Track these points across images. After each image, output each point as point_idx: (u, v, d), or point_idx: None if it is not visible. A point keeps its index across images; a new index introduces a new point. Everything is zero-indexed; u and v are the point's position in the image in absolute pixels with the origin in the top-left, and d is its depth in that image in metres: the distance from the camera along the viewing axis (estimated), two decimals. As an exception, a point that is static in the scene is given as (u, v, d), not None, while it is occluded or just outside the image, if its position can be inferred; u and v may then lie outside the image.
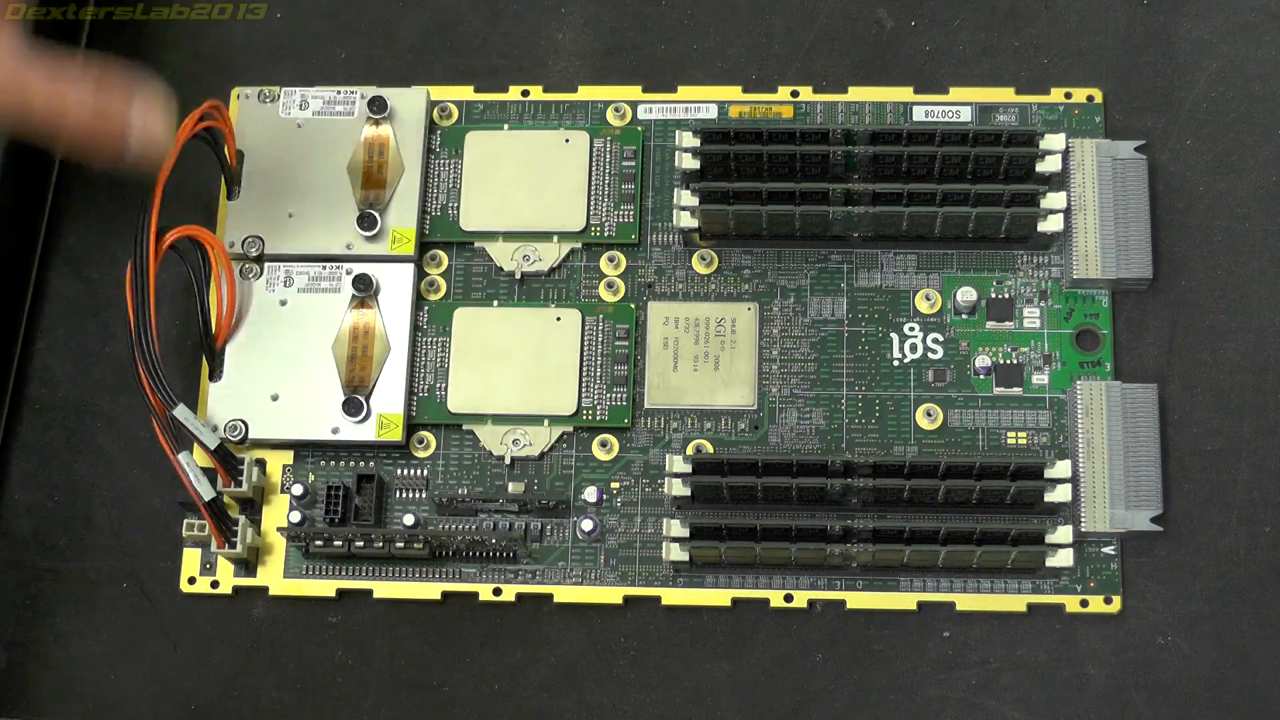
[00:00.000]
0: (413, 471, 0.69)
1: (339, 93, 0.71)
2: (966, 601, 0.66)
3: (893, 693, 0.66)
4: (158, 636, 0.68)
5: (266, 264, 0.70)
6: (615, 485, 0.68)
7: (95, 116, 0.58)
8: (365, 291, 0.69)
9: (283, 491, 0.69)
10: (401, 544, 0.66)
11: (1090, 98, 0.71)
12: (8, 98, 0.57)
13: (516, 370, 0.69)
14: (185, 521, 0.67)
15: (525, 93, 0.73)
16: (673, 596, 0.67)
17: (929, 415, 0.68)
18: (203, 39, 0.75)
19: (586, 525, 0.67)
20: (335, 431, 0.68)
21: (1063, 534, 0.65)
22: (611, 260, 0.71)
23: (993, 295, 0.69)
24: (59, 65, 0.58)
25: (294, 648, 0.68)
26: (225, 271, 0.68)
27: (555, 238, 0.71)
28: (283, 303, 0.69)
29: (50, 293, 0.72)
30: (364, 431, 0.68)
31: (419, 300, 0.70)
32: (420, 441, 0.69)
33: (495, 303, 0.70)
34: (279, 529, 0.68)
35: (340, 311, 0.69)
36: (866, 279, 0.70)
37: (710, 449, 0.68)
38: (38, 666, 0.68)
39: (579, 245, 0.71)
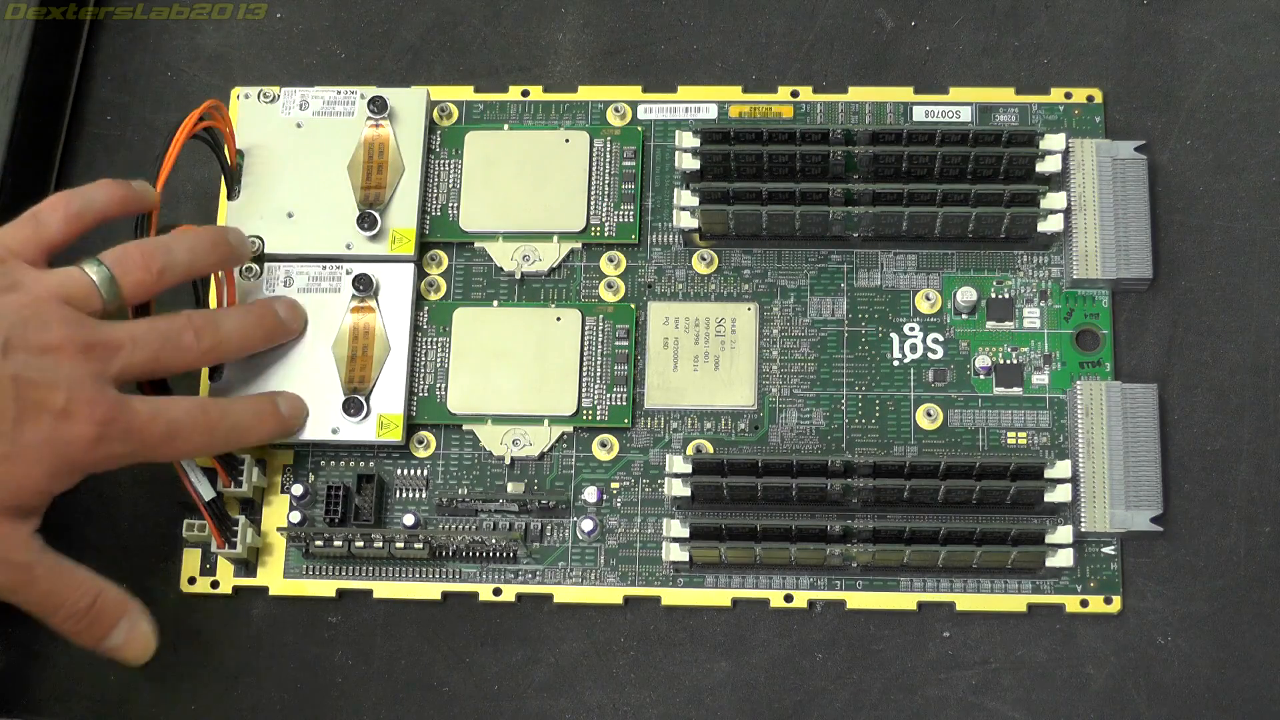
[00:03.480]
0: (413, 471, 0.69)
1: (339, 93, 0.71)
2: (966, 601, 0.66)
3: (893, 693, 0.66)
4: (158, 636, 0.68)
5: (266, 264, 0.70)
6: (615, 485, 0.68)
7: (85, 619, 0.62)
8: (365, 291, 0.69)
9: (283, 491, 0.69)
10: (401, 544, 0.66)
11: (1090, 98, 0.71)
12: (9, 583, 0.60)
13: (516, 370, 0.69)
14: (185, 521, 0.67)
15: (525, 93, 0.73)
16: (673, 596, 0.67)
17: (929, 415, 0.68)
18: (203, 39, 0.75)
19: (586, 525, 0.67)
20: (335, 431, 0.68)
21: (1063, 534, 0.65)
22: (611, 260, 0.71)
23: (993, 295, 0.69)
24: (65, 565, 0.61)
25: (294, 648, 0.68)
26: (226, 273, 0.68)
27: (555, 238, 0.71)
28: (283, 303, 0.69)
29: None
30: (364, 431, 0.68)
31: (419, 300, 0.70)
32: (420, 441, 0.69)
33: (495, 303, 0.70)
34: (279, 529, 0.68)
35: (340, 311, 0.69)
36: (866, 279, 0.70)
37: (710, 449, 0.68)
38: (38, 666, 0.68)
39: (579, 245, 0.71)
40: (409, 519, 0.67)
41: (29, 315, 0.59)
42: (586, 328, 0.69)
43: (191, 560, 0.68)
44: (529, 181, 0.71)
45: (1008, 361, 0.69)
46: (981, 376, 0.69)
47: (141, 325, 0.63)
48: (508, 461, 0.68)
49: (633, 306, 0.70)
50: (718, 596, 0.67)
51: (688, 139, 0.69)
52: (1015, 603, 0.66)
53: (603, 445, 0.69)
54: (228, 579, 0.68)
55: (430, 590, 0.67)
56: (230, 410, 0.65)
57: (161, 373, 0.64)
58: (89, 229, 0.63)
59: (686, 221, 0.69)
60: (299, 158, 0.70)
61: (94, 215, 0.63)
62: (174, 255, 0.64)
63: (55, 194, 0.63)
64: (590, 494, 0.68)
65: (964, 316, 0.69)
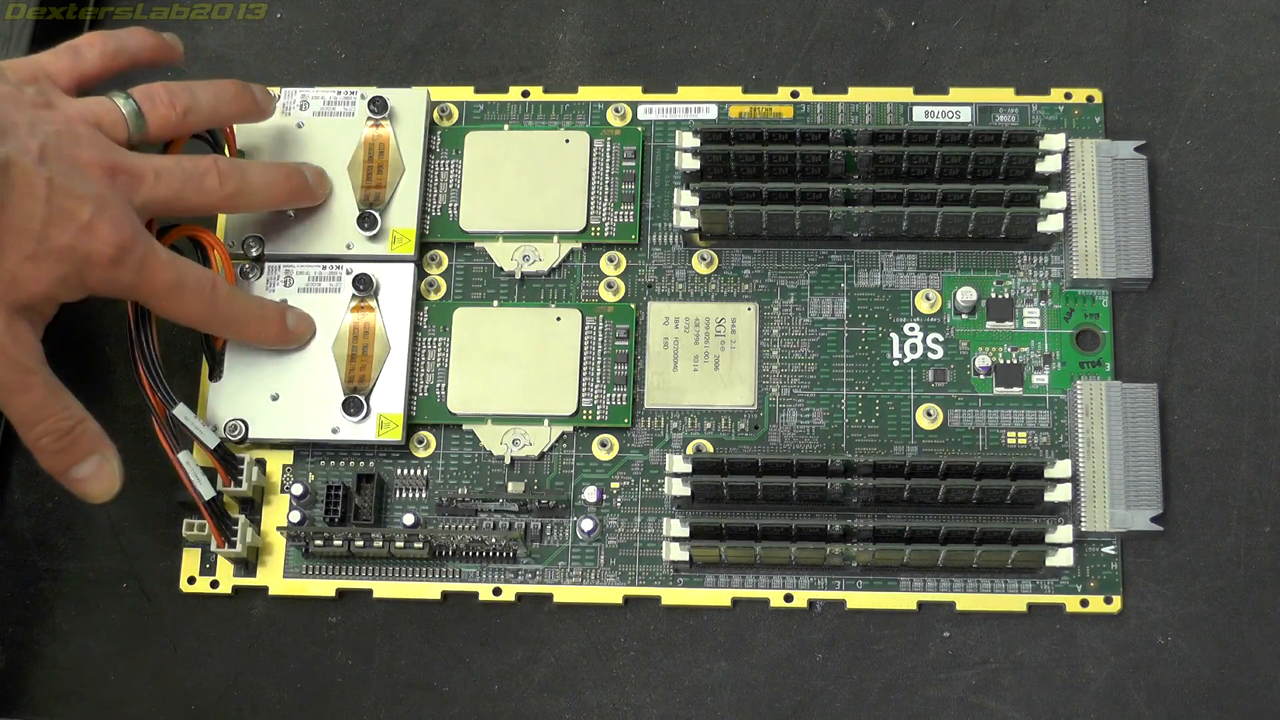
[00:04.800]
0: (413, 471, 0.69)
1: (339, 93, 0.71)
2: (966, 601, 0.66)
3: (893, 693, 0.66)
4: (158, 636, 0.68)
5: (266, 264, 0.70)
6: (615, 485, 0.68)
7: (61, 442, 0.61)
8: (365, 291, 0.69)
9: (283, 491, 0.69)
10: (401, 544, 0.66)
11: (1090, 98, 0.71)
12: (4, 383, 0.60)
13: (516, 370, 0.69)
14: (185, 521, 0.67)
15: (525, 93, 0.73)
16: (673, 596, 0.67)
17: (929, 415, 0.68)
18: (203, 39, 0.75)
19: (586, 525, 0.67)
20: (335, 431, 0.68)
21: (1063, 534, 0.65)
22: (611, 260, 0.71)
23: (993, 295, 0.69)
24: (56, 383, 0.61)
25: (294, 648, 0.68)
26: (226, 272, 0.68)
27: (555, 238, 0.71)
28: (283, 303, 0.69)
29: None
30: (364, 431, 0.68)
31: (419, 300, 0.70)
32: (420, 441, 0.69)
33: (495, 303, 0.70)
34: (279, 529, 0.68)
35: (340, 311, 0.69)
36: (866, 279, 0.70)
37: (710, 449, 0.68)
38: (38, 666, 0.68)
39: (579, 245, 0.71)
40: (409, 519, 0.67)
41: (63, 130, 0.61)
42: (586, 328, 0.69)
43: (191, 560, 0.68)
44: (529, 181, 0.71)
45: (1008, 361, 0.69)
46: (981, 376, 0.69)
47: (168, 160, 0.64)
48: (508, 461, 0.68)
49: (633, 306, 0.70)
50: (718, 596, 0.67)
51: (688, 139, 0.69)
52: (1015, 603, 0.66)
53: (603, 445, 0.69)
54: (228, 579, 0.68)
55: (430, 590, 0.67)
56: (237, 299, 0.66)
57: (183, 211, 0.65)
58: (120, 70, 0.65)
59: (686, 221, 0.69)
60: (299, 158, 0.70)
61: (127, 57, 0.66)
62: (198, 98, 0.65)
63: (93, 31, 0.66)
64: (590, 494, 0.68)
65: (964, 316, 0.69)
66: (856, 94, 0.72)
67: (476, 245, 0.71)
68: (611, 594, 0.67)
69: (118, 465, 0.63)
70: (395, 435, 0.68)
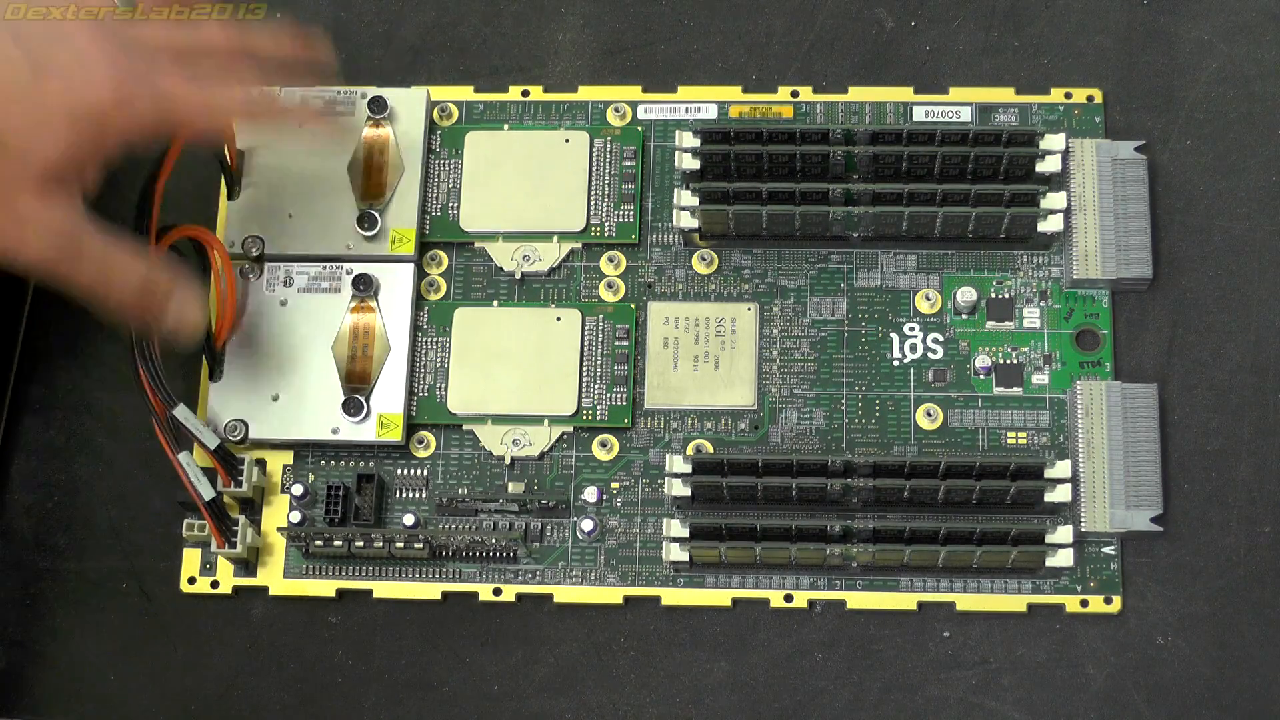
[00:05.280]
0: (413, 471, 0.69)
1: (339, 93, 0.71)
2: (966, 601, 0.66)
3: (893, 693, 0.66)
4: (158, 636, 0.68)
5: (266, 264, 0.70)
6: (615, 485, 0.68)
7: (139, 293, 0.62)
8: (365, 291, 0.69)
9: (283, 491, 0.69)
10: (401, 544, 0.66)
11: (1090, 98, 0.71)
12: (61, 255, 0.60)
13: (516, 370, 0.69)
14: (185, 521, 0.67)
15: (525, 93, 0.73)
16: (673, 596, 0.67)
17: (929, 415, 0.68)
18: (203, 39, 0.75)
19: (586, 525, 0.67)
20: (335, 431, 0.68)
21: (1063, 534, 0.65)
22: (611, 260, 0.71)
23: (993, 295, 0.69)
24: (113, 237, 0.61)
25: (294, 648, 0.68)
26: (226, 271, 0.68)
27: (555, 238, 0.71)
28: (283, 303, 0.69)
29: (51, 293, 0.72)
30: (364, 431, 0.68)
31: (419, 300, 0.70)
32: (420, 441, 0.69)
33: (495, 303, 0.70)
34: (279, 529, 0.68)
35: (340, 311, 0.69)
36: (866, 279, 0.70)
37: (710, 449, 0.68)
38: (38, 666, 0.68)
39: (579, 245, 0.71)
40: (409, 519, 0.67)
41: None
42: (586, 328, 0.69)
43: (191, 560, 0.68)
44: (529, 181, 0.71)
45: (1008, 361, 0.69)
46: (981, 376, 0.69)
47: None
48: (508, 461, 0.68)
49: (633, 306, 0.70)
50: (718, 596, 0.67)
51: (688, 139, 0.69)
52: (1015, 603, 0.66)
53: (603, 445, 0.69)
54: (228, 579, 0.68)
55: (430, 590, 0.67)
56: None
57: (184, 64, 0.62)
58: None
59: (686, 221, 0.69)
60: (299, 158, 0.70)
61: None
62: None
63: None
64: (590, 494, 0.68)
65: (964, 316, 0.69)
66: (856, 94, 0.72)
67: (476, 245, 0.71)
68: (611, 594, 0.67)
69: (198, 294, 0.63)
70: (395, 435, 0.68)
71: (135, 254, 0.61)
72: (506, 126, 0.72)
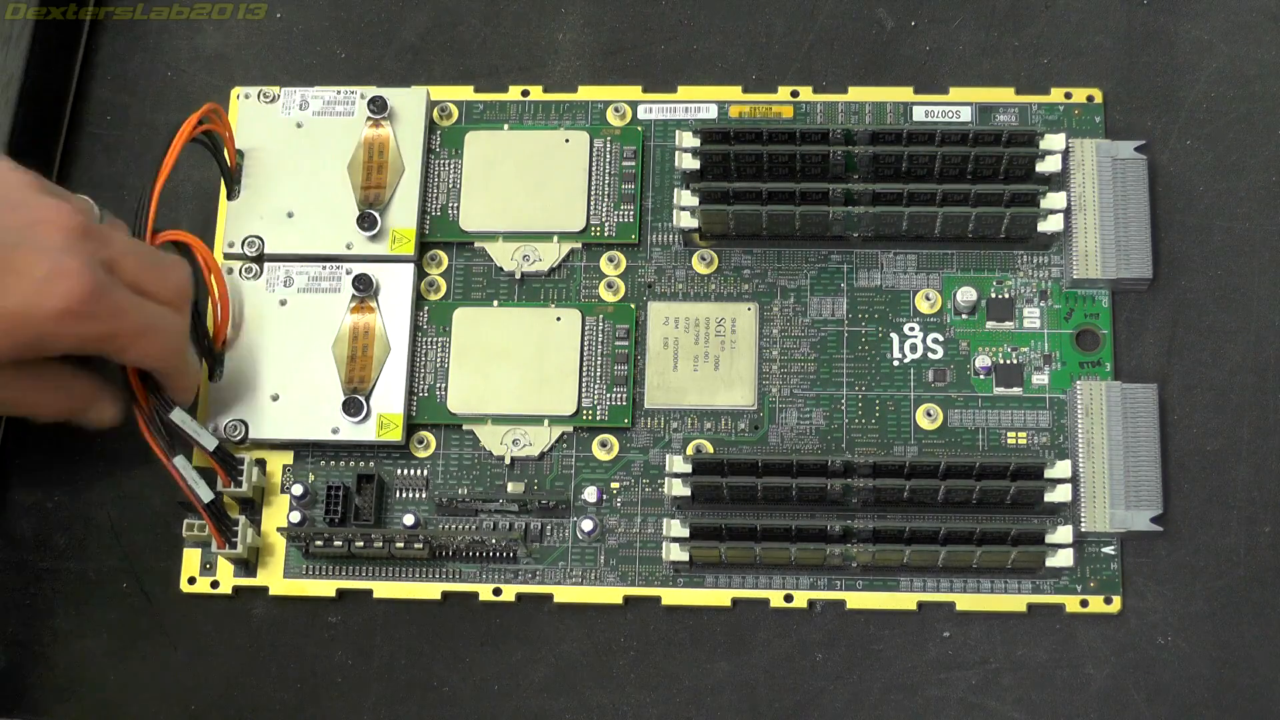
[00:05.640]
0: (413, 471, 0.69)
1: (339, 93, 0.71)
2: (966, 601, 0.66)
3: (893, 693, 0.66)
4: (158, 636, 0.68)
5: (266, 264, 0.70)
6: (615, 485, 0.68)
7: (63, 416, 0.66)
8: (365, 291, 0.69)
9: (283, 491, 0.69)
10: (401, 544, 0.66)
11: (1090, 98, 0.71)
12: None
13: (516, 370, 0.69)
14: (185, 521, 0.67)
15: (525, 93, 0.73)
16: (673, 596, 0.67)
17: (929, 415, 0.68)
18: (203, 39, 0.75)
19: (586, 525, 0.67)
20: (335, 431, 0.68)
21: (1063, 534, 0.65)
22: (611, 260, 0.71)
23: (993, 295, 0.69)
24: (35, 380, 0.64)
25: (294, 648, 0.68)
26: (215, 275, 0.67)
27: (555, 238, 0.71)
28: (283, 303, 0.69)
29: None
30: (364, 431, 0.68)
31: (419, 300, 0.70)
32: (420, 441, 0.69)
33: (495, 303, 0.70)
34: (279, 529, 0.68)
35: (340, 311, 0.69)
36: (866, 279, 0.70)
37: (710, 449, 0.68)
38: (38, 666, 0.68)
39: (579, 245, 0.71)
40: (409, 519, 0.67)
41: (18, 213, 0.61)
42: (586, 328, 0.69)
43: (191, 560, 0.68)
44: (529, 181, 0.71)
45: (1008, 361, 0.69)
46: (981, 376, 0.69)
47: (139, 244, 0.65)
48: (508, 461, 0.68)
49: (633, 306, 0.70)
50: (718, 596, 0.67)
51: (688, 139, 0.69)
52: (1015, 603, 0.66)
53: (603, 445, 0.69)
54: (228, 579, 0.68)
55: (430, 590, 0.67)
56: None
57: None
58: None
59: (686, 221, 0.69)
60: (299, 158, 0.70)
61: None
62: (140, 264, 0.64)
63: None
64: (590, 494, 0.68)
65: (964, 316, 0.69)
66: (856, 94, 0.72)
67: (476, 245, 0.71)
68: (611, 594, 0.67)
69: (116, 396, 0.66)
70: (395, 435, 0.68)
71: (54, 389, 0.64)
72: (506, 126, 0.72)
